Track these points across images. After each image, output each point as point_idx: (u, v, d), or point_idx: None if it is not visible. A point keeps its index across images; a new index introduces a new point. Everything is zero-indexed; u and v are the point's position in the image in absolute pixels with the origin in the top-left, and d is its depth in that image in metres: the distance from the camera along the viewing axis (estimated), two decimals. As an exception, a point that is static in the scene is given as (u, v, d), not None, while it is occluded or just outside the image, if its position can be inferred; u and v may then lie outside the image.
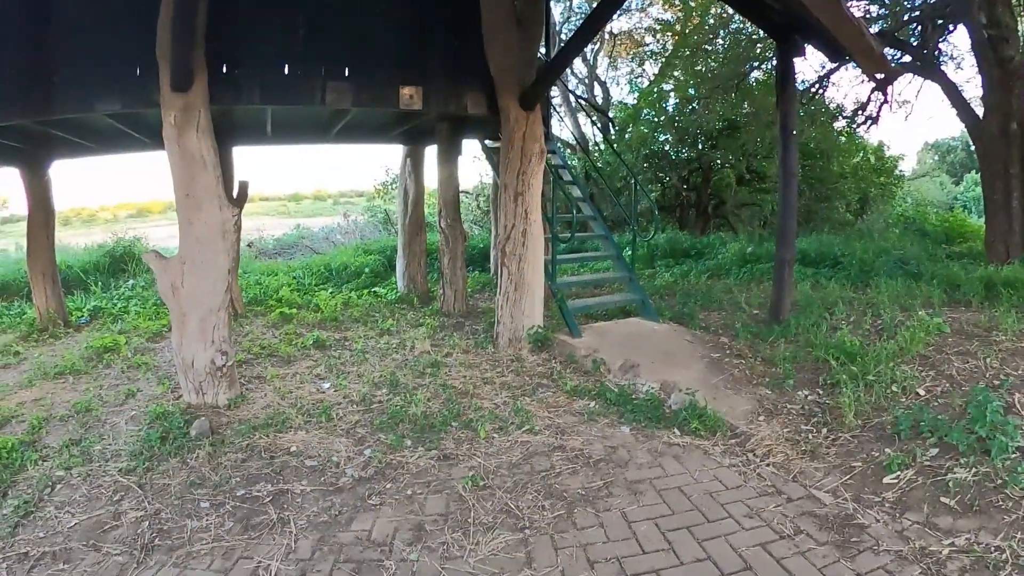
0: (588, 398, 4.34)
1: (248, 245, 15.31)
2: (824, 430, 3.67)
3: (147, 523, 2.91)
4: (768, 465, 3.35)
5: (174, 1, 3.57)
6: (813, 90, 10.84)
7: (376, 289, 9.01)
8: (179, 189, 4.20)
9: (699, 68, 11.73)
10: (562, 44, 12.02)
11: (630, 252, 7.19)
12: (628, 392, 4.33)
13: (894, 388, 3.87)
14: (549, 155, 7.51)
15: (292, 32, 4.75)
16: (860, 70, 10.71)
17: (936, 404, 3.68)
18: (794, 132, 5.66)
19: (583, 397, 4.37)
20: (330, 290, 9.39)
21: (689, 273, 8.63)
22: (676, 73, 12.99)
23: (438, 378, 4.81)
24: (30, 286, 7.49)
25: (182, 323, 4.32)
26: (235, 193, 7.90)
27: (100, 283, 9.93)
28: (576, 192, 7.21)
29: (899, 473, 3.06)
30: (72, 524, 2.91)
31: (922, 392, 3.85)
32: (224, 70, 4.51)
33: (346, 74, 4.86)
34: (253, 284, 9.78)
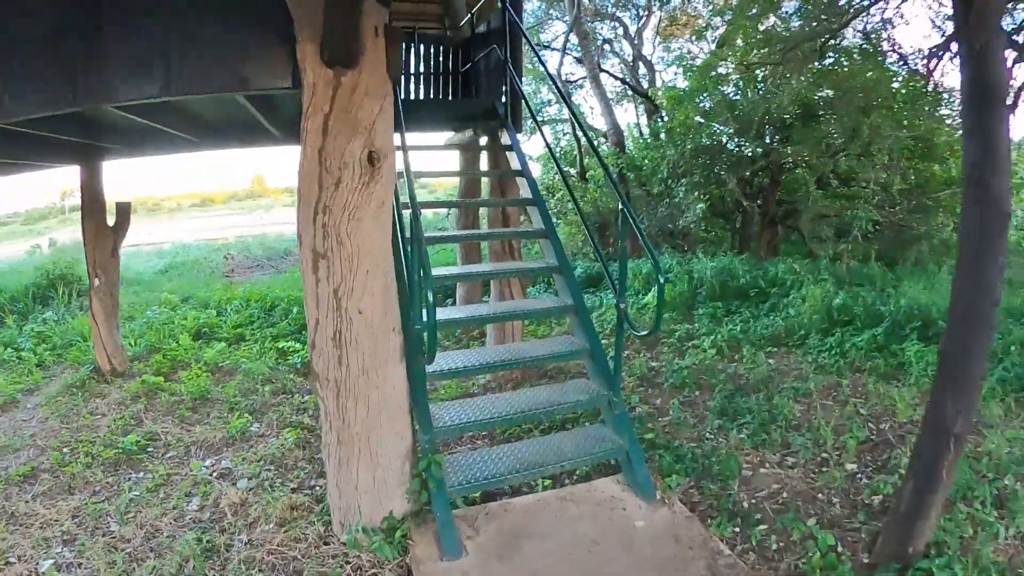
0: None
1: (225, 257, 13.27)
2: None
3: None
4: None
5: None
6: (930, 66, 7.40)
7: (289, 343, 6.57)
8: None
9: (768, 29, 8.44)
10: None
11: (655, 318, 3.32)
12: None
13: None
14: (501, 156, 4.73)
15: None
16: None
17: None
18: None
19: None
20: (246, 335, 7.17)
21: (742, 340, 5.58)
22: (738, 42, 9.68)
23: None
24: None
25: None
26: (113, 220, 6.04)
27: (26, 312, 8.76)
28: (538, 220, 4.28)
29: None
30: None
31: None
32: None
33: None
34: (162, 324, 7.63)
